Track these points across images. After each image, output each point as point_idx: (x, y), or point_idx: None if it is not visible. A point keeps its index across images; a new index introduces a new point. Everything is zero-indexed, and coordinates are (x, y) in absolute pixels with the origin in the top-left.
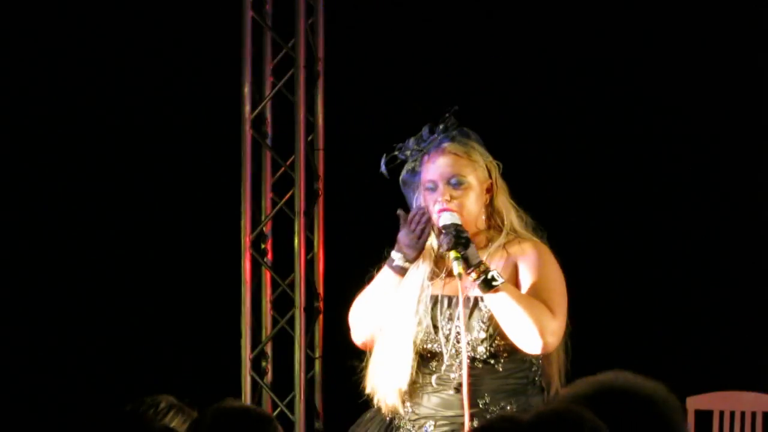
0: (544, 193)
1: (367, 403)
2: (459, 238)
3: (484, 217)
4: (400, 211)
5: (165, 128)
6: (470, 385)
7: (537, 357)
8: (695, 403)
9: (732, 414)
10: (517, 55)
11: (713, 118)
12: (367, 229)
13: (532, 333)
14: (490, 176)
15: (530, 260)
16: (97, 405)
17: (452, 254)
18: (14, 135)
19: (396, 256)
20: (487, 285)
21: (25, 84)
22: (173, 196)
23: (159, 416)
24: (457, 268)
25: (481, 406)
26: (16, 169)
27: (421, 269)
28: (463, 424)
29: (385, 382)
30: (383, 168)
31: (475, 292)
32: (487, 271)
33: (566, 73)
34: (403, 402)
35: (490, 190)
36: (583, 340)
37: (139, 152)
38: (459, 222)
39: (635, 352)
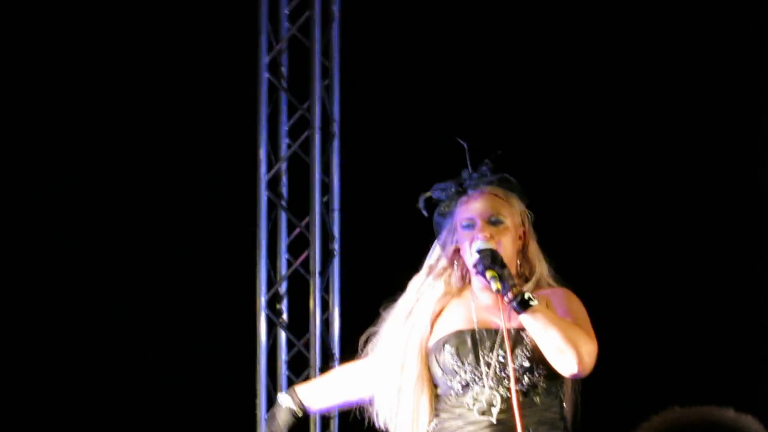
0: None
1: None
2: (495, 260)
3: (518, 263)
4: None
5: (181, 188)
6: (514, 417)
7: (563, 392)
8: None
9: None
10: (531, 113)
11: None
12: (383, 289)
13: (571, 352)
14: (523, 224)
15: (559, 297)
16: None
17: (488, 273)
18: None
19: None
20: (524, 305)
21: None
22: (189, 257)
23: None
24: (494, 284)
25: None
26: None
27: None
28: None
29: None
30: (422, 205)
31: (513, 323)
32: (522, 292)
33: (576, 122)
34: None
35: (522, 238)
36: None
37: (156, 215)
38: (494, 248)
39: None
